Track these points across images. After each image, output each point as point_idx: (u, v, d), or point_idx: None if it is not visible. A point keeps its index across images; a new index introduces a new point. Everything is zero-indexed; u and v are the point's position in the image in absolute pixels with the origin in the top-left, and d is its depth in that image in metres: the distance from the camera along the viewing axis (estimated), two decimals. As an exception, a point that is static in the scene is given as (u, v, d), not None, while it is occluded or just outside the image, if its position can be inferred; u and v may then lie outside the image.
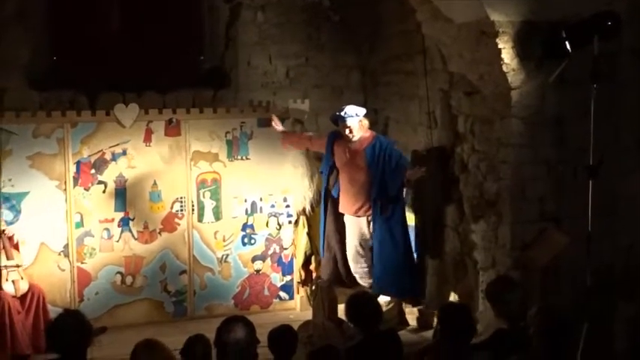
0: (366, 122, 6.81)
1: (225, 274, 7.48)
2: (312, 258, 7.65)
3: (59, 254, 7.02)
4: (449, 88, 6.84)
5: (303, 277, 7.67)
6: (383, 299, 6.75)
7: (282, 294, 7.67)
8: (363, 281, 6.93)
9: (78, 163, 7.05)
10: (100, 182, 7.12)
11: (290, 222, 7.64)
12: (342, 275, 7.04)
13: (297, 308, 7.61)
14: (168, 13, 7.89)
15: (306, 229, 7.67)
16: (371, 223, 6.78)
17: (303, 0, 8.26)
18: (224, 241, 7.46)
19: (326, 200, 7.01)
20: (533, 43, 5.76)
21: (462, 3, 5.88)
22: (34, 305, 6.53)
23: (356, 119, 6.71)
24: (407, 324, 6.94)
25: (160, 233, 7.28)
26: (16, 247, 6.71)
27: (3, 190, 6.80)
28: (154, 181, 7.25)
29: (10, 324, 6.28)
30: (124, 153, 7.16)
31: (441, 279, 7.04)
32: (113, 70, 7.62)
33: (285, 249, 7.65)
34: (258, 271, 7.57)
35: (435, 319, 6.43)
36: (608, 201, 5.88)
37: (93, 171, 7.10)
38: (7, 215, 6.80)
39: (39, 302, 6.56)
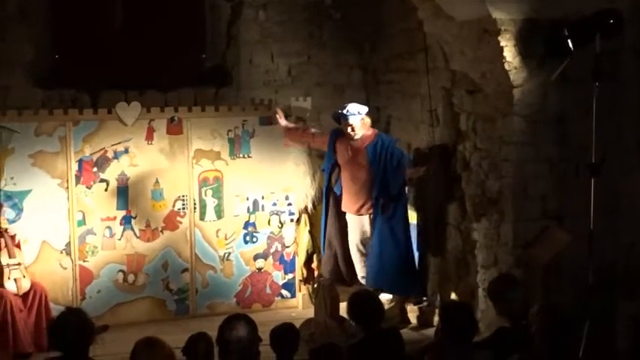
0: (368, 120, 6.82)
1: (227, 273, 7.48)
2: (314, 256, 7.65)
3: (61, 252, 7.02)
4: (451, 86, 6.84)
5: (305, 275, 7.68)
6: (385, 297, 6.76)
7: (284, 292, 7.67)
8: (365, 280, 6.93)
9: (80, 162, 7.05)
10: (102, 180, 7.12)
11: (292, 220, 7.65)
12: (342, 273, 7.05)
13: (299, 306, 7.62)
14: (170, 11, 7.89)
15: (308, 227, 7.67)
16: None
17: (304, -2, 8.27)
18: (226, 239, 7.46)
19: (327, 198, 7.01)
20: (535, 41, 5.75)
21: (463, 1, 5.87)
22: (37, 303, 6.53)
23: (358, 117, 6.72)
24: (409, 322, 6.95)
25: (162, 231, 7.28)
26: (18, 246, 6.72)
27: (5, 189, 6.82)
28: (156, 180, 7.25)
29: (13, 322, 6.29)
30: (126, 151, 7.16)
31: (443, 277, 7.04)
32: (115, 68, 7.61)
33: (287, 247, 7.65)
34: (260, 269, 7.58)
35: (437, 318, 6.46)
36: (610, 199, 5.87)
37: (95, 169, 7.10)
38: (10, 213, 6.81)
39: (41, 300, 6.56)
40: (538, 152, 5.97)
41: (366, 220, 6.84)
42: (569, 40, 5.54)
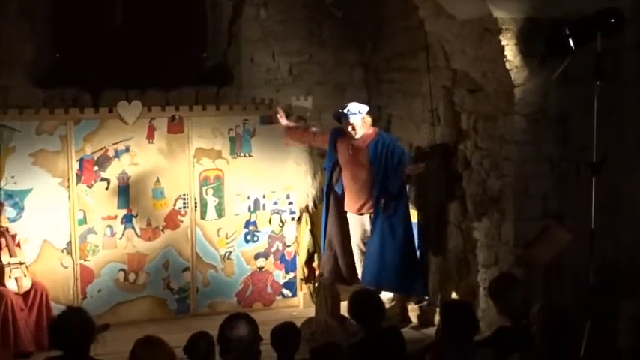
0: (368, 119, 6.81)
1: (228, 272, 7.49)
2: (315, 255, 7.65)
3: (62, 251, 7.03)
4: (452, 85, 6.83)
5: (305, 274, 7.68)
6: (386, 296, 6.76)
7: (285, 291, 7.67)
8: (362, 278, 6.93)
9: (81, 161, 7.06)
10: (103, 179, 7.13)
11: (293, 219, 7.65)
12: (342, 272, 7.04)
13: (300, 305, 7.62)
14: (171, 10, 7.89)
15: (308, 227, 7.68)
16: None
17: (305, -3, 8.27)
18: (227, 238, 7.47)
19: (328, 197, 7.00)
20: (536, 40, 5.75)
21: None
22: (37, 302, 6.54)
23: (359, 116, 6.71)
24: (409, 321, 6.95)
25: (162, 230, 7.29)
26: (18, 245, 6.71)
27: (6, 188, 6.82)
28: (157, 179, 7.26)
29: (14, 321, 6.29)
30: (127, 150, 7.17)
31: (444, 276, 7.03)
32: (116, 67, 7.62)
33: (288, 246, 7.65)
34: (260, 268, 7.58)
35: (438, 316, 6.45)
36: (611, 198, 5.87)
37: (96, 168, 7.11)
38: (11, 212, 6.82)
39: (42, 299, 6.57)
40: (539, 151, 5.96)
41: (367, 219, 6.84)
42: (570, 39, 5.54)
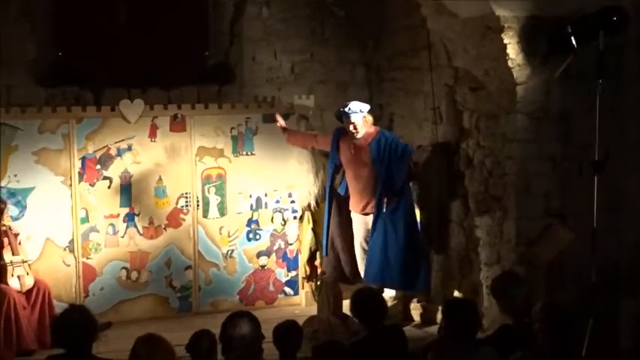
0: (370, 118, 6.79)
1: (230, 270, 7.49)
2: (317, 254, 7.64)
3: (64, 250, 7.03)
4: (454, 83, 6.83)
5: (308, 272, 7.67)
6: (388, 295, 6.75)
7: (287, 289, 7.67)
8: (364, 276, 6.92)
9: (83, 159, 7.06)
10: (105, 178, 7.13)
11: (295, 217, 7.65)
12: (344, 271, 7.03)
13: (302, 304, 7.62)
14: (173, 9, 7.90)
15: (311, 225, 7.67)
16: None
17: (307, -5, 8.28)
18: (229, 236, 7.47)
19: (331, 198, 6.98)
20: (538, 38, 5.75)
21: (467, -2, 5.88)
22: (40, 301, 6.54)
23: (360, 115, 6.70)
24: (412, 319, 6.95)
25: (165, 229, 7.29)
26: (19, 243, 6.72)
27: (9, 186, 6.82)
28: (159, 177, 7.26)
29: (16, 319, 6.29)
30: (129, 149, 7.17)
31: (446, 274, 7.03)
32: (118, 66, 7.63)
33: (290, 244, 7.65)
34: (263, 266, 7.58)
35: (440, 315, 6.45)
36: (614, 197, 5.87)
37: (98, 166, 7.11)
38: (13, 211, 6.81)
39: (44, 298, 6.56)
40: (541, 150, 5.96)
41: (370, 219, 6.82)
42: (572, 38, 5.54)
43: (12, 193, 6.83)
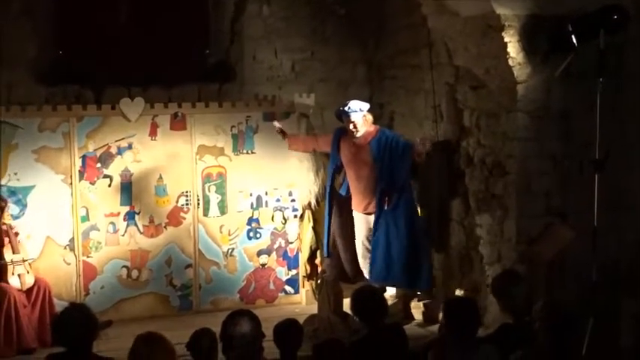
0: (370, 117, 6.78)
1: (230, 268, 7.49)
2: (318, 252, 7.64)
3: (65, 248, 7.03)
4: (455, 82, 6.83)
5: (308, 271, 7.67)
6: (388, 293, 6.74)
7: (288, 288, 7.67)
8: (369, 276, 6.92)
9: (83, 157, 7.06)
10: (105, 176, 7.13)
11: (295, 216, 7.65)
12: (345, 270, 7.02)
13: (303, 302, 7.62)
14: (174, 7, 7.89)
15: (311, 223, 7.66)
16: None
17: (308, -6, 8.27)
18: (229, 235, 7.47)
19: (331, 198, 6.97)
20: (539, 36, 5.75)
21: (467, -4, 5.88)
22: (40, 299, 6.53)
23: (360, 114, 6.68)
24: (412, 318, 6.95)
25: (165, 227, 7.29)
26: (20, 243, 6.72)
27: (9, 184, 6.82)
28: (160, 175, 7.26)
29: (16, 318, 6.29)
30: (130, 147, 7.16)
31: (447, 273, 7.04)
32: (119, 64, 7.62)
33: (291, 243, 7.65)
34: (263, 265, 7.58)
35: (441, 313, 6.45)
36: (614, 196, 5.87)
37: (98, 165, 7.11)
38: (14, 209, 6.81)
39: (45, 296, 6.56)
40: (542, 148, 5.96)
41: (372, 217, 6.81)
42: (572, 36, 5.54)
43: (12, 192, 6.83)
